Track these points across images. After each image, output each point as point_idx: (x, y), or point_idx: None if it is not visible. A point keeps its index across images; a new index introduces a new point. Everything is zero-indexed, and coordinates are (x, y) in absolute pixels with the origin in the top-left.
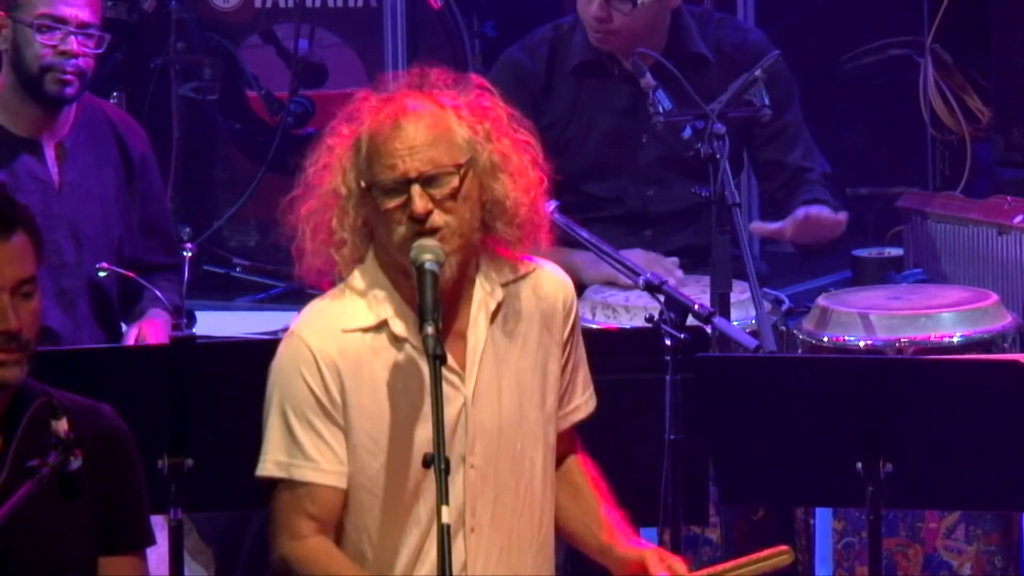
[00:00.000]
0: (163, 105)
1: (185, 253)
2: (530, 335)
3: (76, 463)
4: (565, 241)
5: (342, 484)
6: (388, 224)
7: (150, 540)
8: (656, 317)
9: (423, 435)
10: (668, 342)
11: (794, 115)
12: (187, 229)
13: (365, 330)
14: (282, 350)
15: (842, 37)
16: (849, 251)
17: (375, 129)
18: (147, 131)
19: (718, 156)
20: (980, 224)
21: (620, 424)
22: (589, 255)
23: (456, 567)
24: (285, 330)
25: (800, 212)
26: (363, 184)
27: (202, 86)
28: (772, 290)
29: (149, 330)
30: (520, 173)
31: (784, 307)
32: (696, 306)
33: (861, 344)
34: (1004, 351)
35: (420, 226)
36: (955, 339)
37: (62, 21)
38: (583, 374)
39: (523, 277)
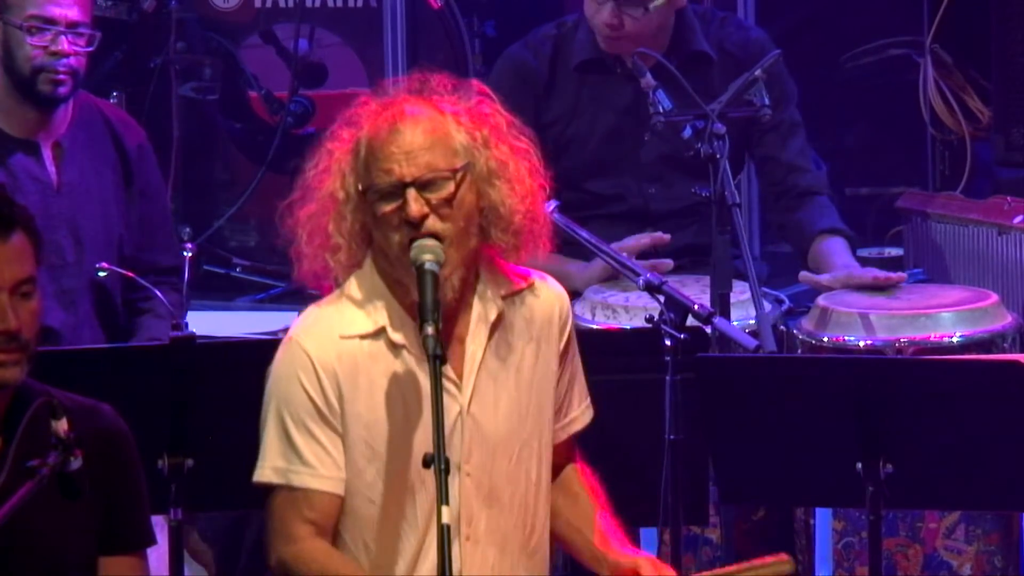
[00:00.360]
0: (163, 105)
1: (185, 253)
2: (527, 348)
3: (76, 463)
4: (562, 242)
5: (339, 491)
6: (384, 229)
7: (150, 540)
8: (656, 317)
9: (420, 441)
10: (668, 342)
11: (791, 114)
12: (187, 229)
13: (363, 337)
14: (280, 356)
15: (842, 37)
16: None
17: (373, 133)
18: (147, 131)
19: (718, 156)
20: (980, 224)
21: (620, 424)
22: (582, 264)
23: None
24: (285, 330)
25: (842, 273)
26: (360, 188)
27: (202, 86)
28: (772, 290)
29: None
30: (517, 180)
31: (784, 307)
32: (696, 306)
33: (861, 344)
34: (1004, 351)
35: (416, 231)
36: (955, 339)
37: (51, 22)
38: (579, 385)
39: (521, 291)
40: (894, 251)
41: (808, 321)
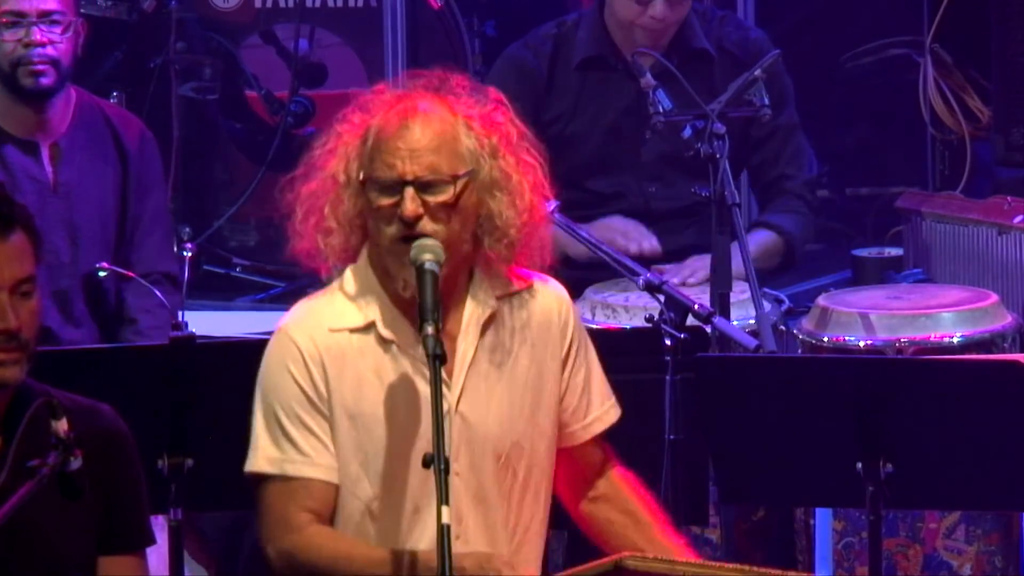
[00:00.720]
0: (163, 105)
1: (185, 253)
2: (522, 350)
3: (76, 463)
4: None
5: (335, 479)
6: (378, 221)
7: (150, 540)
8: (656, 317)
9: (406, 438)
10: (668, 342)
11: (788, 117)
12: (187, 229)
13: (352, 330)
14: (270, 348)
15: (842, 37)
16: (849, 251)
17: (383, 124)
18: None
19: (718, 156)
20: (980, 224)
21: (620, 424)
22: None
23: None
24: None
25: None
26: (362, 177)
27: (202, 86)
28: (772, 290)
29: None
30: (519, 194)
31: (784, 307)
32: (696, 306)
33: (861, 344)
34: (1004, 351)
35: (409, 229)
36: (955, 339)
37: (22, 15)
38: (599, 385)
39: (517, 292)
40: (894, 251)
41: (808, 321)
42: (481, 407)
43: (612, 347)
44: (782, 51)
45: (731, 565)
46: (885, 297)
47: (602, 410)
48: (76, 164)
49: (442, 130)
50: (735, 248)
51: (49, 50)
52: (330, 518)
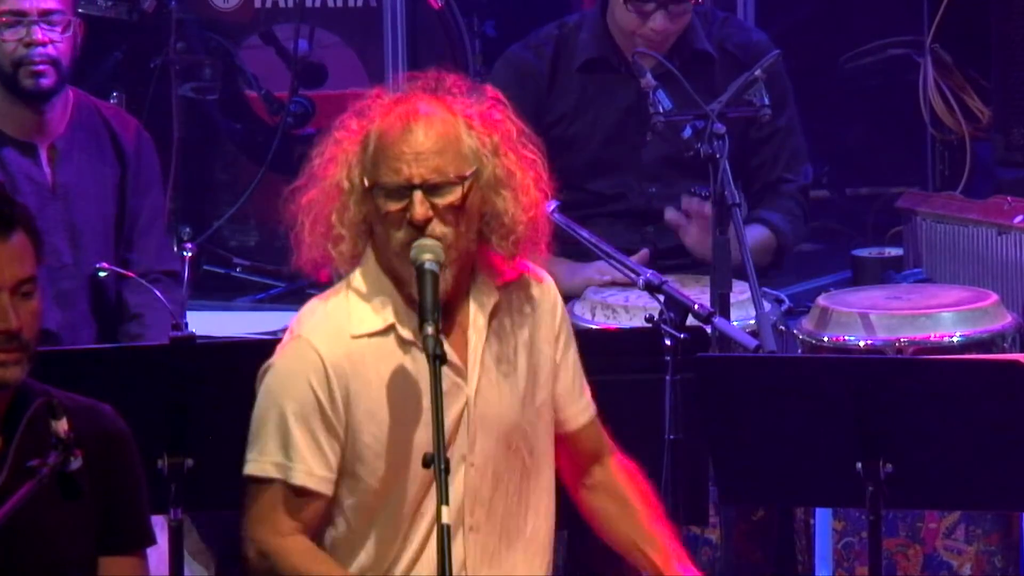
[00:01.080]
0: (163, 105)
1: (185, 253)
2: (522, 335)
3: (76, 463)
4: (562, 243)
5: (328, 492)
6: (387, 227)
7: (150, 540)
8: (656, 317)
9: (428, 437)
10: (668, 342)
11: (787, 119)
12: (187, 229)
13: (373, 335)
14: (287, 352)
15: (842, 37)
16: (849, 251)
17: (384, 128)
18: (147, 131)
19: (718, 156)
20: (980, 224)
21: (620, 424)
22: (567, 265)
23: (456, 566)
24: (285, 330)
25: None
26: (367, 183)
27: (202, 86)
28: (772, 290)
29: None
30: (523, 190)
31: (784, 307)
32: (696, 306)
33: (861, 344)
34: (1004, 351)
35: (418, 233)
36: (955, 339)
37: (22, 14)
38: (582, 375)
39: (513, 280)
40: (894, 251)
41: (808, 321)
42: (494, 396)
43: (612, 347)
44: (782, 51)
45: None
46: (885, 297)
47: (585, 400)
48: (74, 165)
49: (445, 131)
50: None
51: (50, 49)
52: (316, 530)
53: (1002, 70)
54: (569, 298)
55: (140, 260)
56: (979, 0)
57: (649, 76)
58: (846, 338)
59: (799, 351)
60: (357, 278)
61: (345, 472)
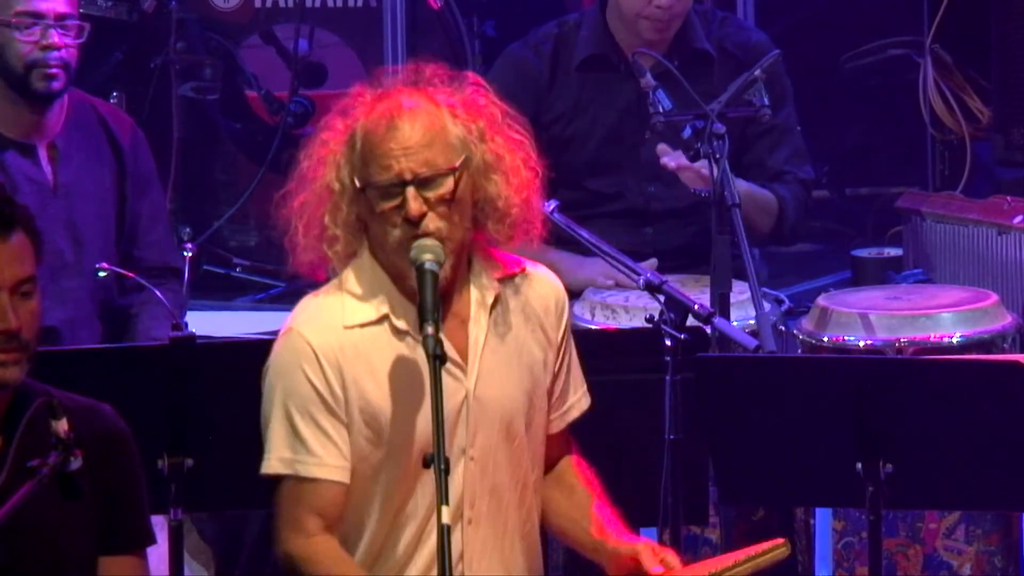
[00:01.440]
0: (163, 105)
1: (185, 253)
2: (522, 331)
3: (76, 463)
4: (562, 242)
5: (345, 479)
6: (383, 225)
7: (150, 540)
8: (656, 317)
9: (424, 427)
10: (668, 342)
11: (785, 117)
12: (187, 229)
13: (366, 325)
14: (281, 347)
15: (842, 37)
16: (849, 251)
17: (370, 127)
18: (147, 131)
19: (718, 156)
20: (980, 224)
21: (620, 424)
22: (570, 257)
23: (454, 559)
24: None
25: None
26: (358, 183)
27: (202, 86)
28: (772, 290)
29: None
30: (513, 172)
31: (784, 307)
32: (696, 306)
33: (861, 344)
34: (1004, 351)
35: (415, 228)
36: (955, 339)
37: (40, 16)
38: (576, 373)
39: (514, 276)
40: (894, 251)
41: (808, 321)
42: (494, 389)
43: (612, 347)
44: (782, 51)
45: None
46: (885, 297)
47: (575, 398)
48: (74, 164)
49: (430, 124)
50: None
51: (63, 53)
52: (339, 517)
53: (1002, 70)
54: (571, 293)
55: (146, 257)
56: (979, 0)
57: (649, 76)
58: (846, 338)
59: (799, 351)
60: (350, 273)
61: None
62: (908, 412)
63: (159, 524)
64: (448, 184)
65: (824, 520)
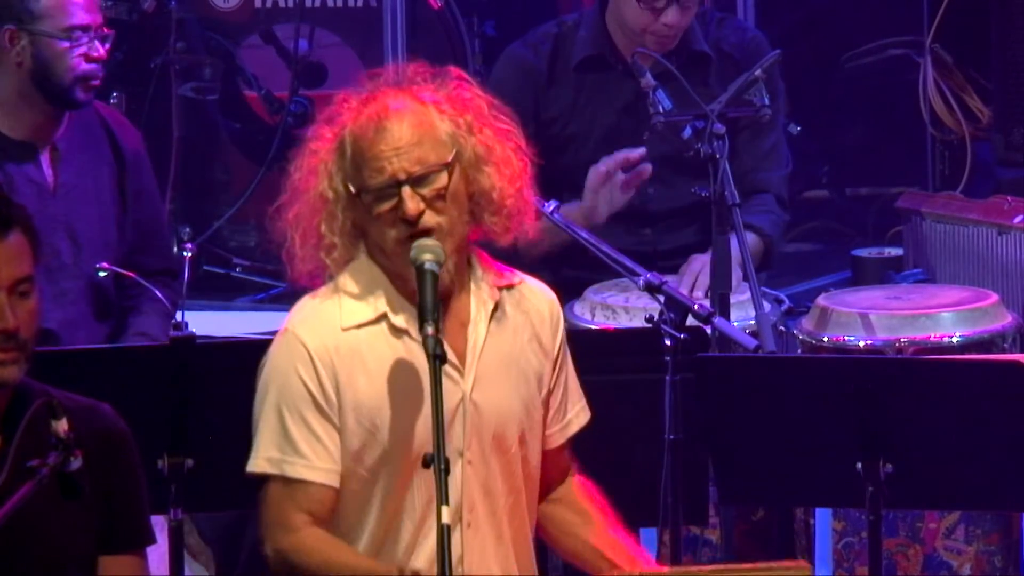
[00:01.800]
0: (163, 105)
1: (185, 253)
2: (520, 340)
3: (76, 463)
4: (562, 242)
5: (334, 482)
6: (381, 228)
7: (150, 539)
8: (656, 317)
9: (421, 426)
10: (668, 342)
11: (772, 112)
12: (187, 229)
13: (363, 325)
14: (276, 348)
15: (842, 37)
16: (849, 251)
17: (359, 132)
18: (147, 131)
19: (718, 156)
20: (980, 224)
21: (620, 424)
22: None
23: (453, 561)
24: None
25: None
26: (352, 189)
27: (202, 86)
28: (772, 290)
29: None
30: (504, 163)
31: (784, 307)
32: (696, 306)
33: (861, 344)
34: (1004, 351)
35: (412, 228)
36: (955, 339)
37: (88, 29)
38: (574, 386)
39: (512, 286)
40: (894, 251)
41: (808, 321)
42: (491, 394)
43: (612, 347)
44: (782, 51)
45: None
46: (885, 297)
47: (574, 412)
48: (75, 165)
49: (418, 122)
50: (734, 242)
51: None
52: (328, 520)
53: (1002, 70)
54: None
55: (146, 263)
56: (979, 0)
57: (649, 76)
58: (846, 338)
59: (799, 351)
60: (347, 277)
61: (342, 460)
62: (908, 412)
63: (159, 524)
64: (442, 179)
65: (824, 520)
